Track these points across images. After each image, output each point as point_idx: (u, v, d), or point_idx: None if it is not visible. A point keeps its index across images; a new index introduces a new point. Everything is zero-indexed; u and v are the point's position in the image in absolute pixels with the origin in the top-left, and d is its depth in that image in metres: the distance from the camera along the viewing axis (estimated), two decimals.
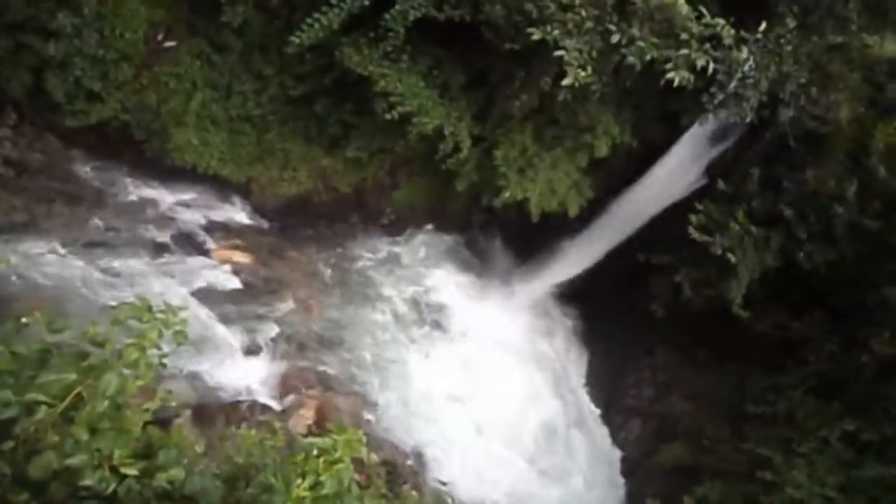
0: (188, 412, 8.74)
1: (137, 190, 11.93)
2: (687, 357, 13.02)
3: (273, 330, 11.21)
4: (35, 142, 11.42)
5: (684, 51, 8.78)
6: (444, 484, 10.89)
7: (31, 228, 10.46)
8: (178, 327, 3.16)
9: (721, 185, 11.33)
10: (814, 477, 9.78)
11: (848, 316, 10.80)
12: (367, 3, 9.72)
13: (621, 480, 12.60)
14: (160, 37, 11.11)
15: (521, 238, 13.73)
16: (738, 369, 12.18)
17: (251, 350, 10.79)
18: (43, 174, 11.23)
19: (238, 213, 12.66)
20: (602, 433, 13.26)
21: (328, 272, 12.80)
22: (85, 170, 11.68)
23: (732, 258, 10.68)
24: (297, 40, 10.13)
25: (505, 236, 14.21)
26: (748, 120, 10.08)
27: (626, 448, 12.94)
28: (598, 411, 13.61)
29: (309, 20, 10.01)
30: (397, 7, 9.80)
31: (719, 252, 10.80)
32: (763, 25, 9.12)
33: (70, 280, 10.08)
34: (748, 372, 12.01)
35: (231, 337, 10.76)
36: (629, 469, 12.70)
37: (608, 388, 13.88)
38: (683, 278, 11.70)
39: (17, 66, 10.41)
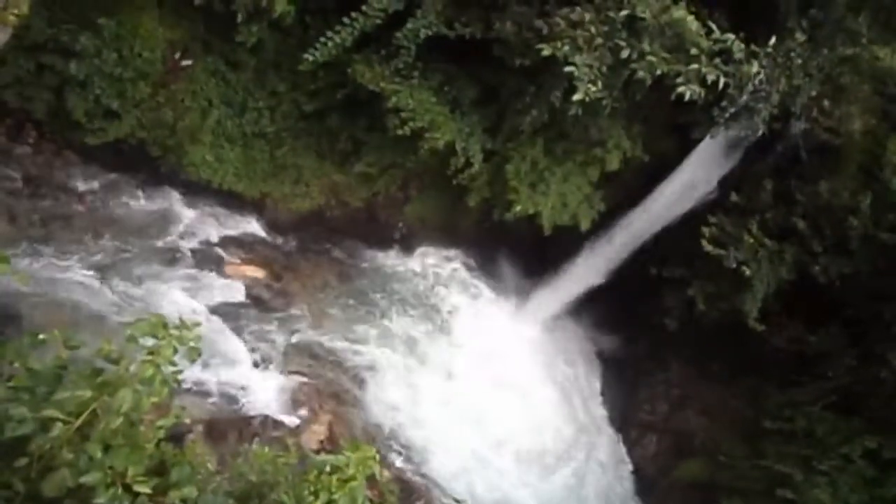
0: (200, 427, 8.76)
1: (153, 206, 12.09)
2: (701, 371, 12.85)
3: (286, 344, 11.24)
4: (54, 159, 11.64)
5: (694, 65, 8.79)
6: (458, 501, 10.78)
7: (49, 244, 10.62)
8: (192, 343, 3.17)
9: (734, 197, 11.26)
10: (836, 496, 9.57)
11: (865, 330, 10.62)
12: (379, 21, 9.86)
13: (637, 498, 12.40)
14: (177, 56, 11.33)
15: (533, 252, 13.69)
16: (754, 384, 11.99)
17: (264, 364, 10.82)
18: (61, 190, 11.43)
19: (252, 228, 12.78)
20: (617, 449, 13.07)
21: (340, 287, 12.84)
22: (102, 186, 11.87)
23: (747, 271, 10.58)
24: (310, 58, 10.29)
25: (517, 250, 14.18)
26: (760, 133, 10.03)
27: (641, 464, 12.75)
28: (612, 427, 13.43)
29: (322, 38, 10.17)
30: (409, 25, 9.93)
31: (733, 265, 10.70)
32: (773, 39, 9.11)
33: (86, 295, 10.20)
34: (763, 386, 11.82)
35: (244, 351, 10.80)
36: (645, 486, 12.50)
37: (622, 403, 13.72)
38: (697, 292, 11.60)
39: (38, 86, 10.66)
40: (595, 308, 13.70)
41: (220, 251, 12.08)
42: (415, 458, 10.99)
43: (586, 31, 8.93)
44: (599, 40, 8.96)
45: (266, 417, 9.77)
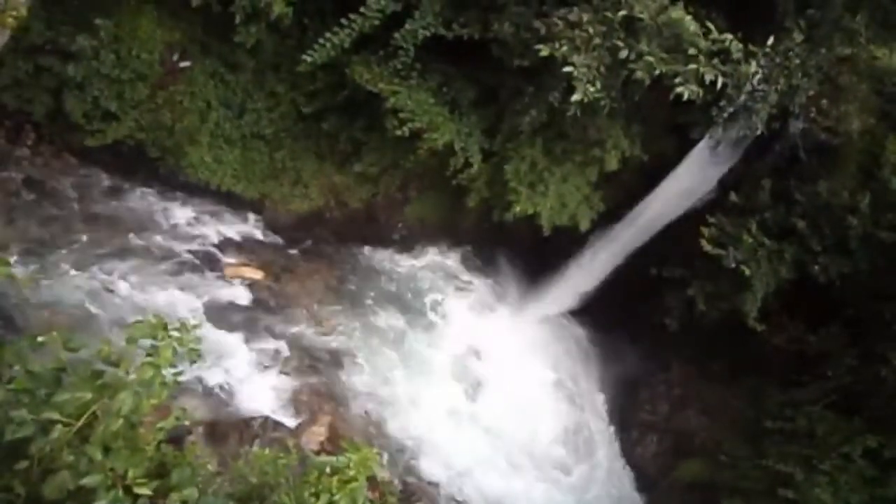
0: (200, 429, 8.75)
1: (151, 207, 12.09)
2: (701, 371, 12.85)
3: (285, 345, 11.24)
4: (52, 161, 11.64)
5: (693, 65, 8.79)
6: (458, 502, 10.77)
7: (48, 246, 10.61)
8: (192, 345, 3.17)
9: (733, 197, 11.26)
10: (837, 495, 9.57)
11: (866, 329, 10.63)
12: (377, 22, 9.87)
13: (638, 498, 12.39)
14: (175, 57, 11.33)
15: (533, 252, 13.69)
16: (754, 383, 11.99)
17: (263, 366, 10.81)
18: (60, 192, 11.43)
19: (251, 229, 12.78)
20: (617, 450, 13.07)
21: (340, 287, 12.83)
22: (100, 188, 11.87)
23: (746, 271, 10.58)
24: (309, 59, 10.29)
25: (516, 251, 14.19)
26: (759, 132, 10.04)
27: (642, 464, 12.74)
28: (613, 427, 13.43)
29: (321, 39, 10.18)
30: (407, 26, 9.94)
31: (733, 265, 10.69)
32: (771, 39, 9.12)
33: (85, 297, 10.19)
34: (764, 386, 11.82)
35: (244, 352, 10.80)
36: (646, 486, 12.49)
37: (623, 403, 13.71)
38: (697, 292, 11.59)
39: (37, 88, 10.67)
40: (595, 308, 13.70)
41: (218, 252, 12.08)
42: (414, 459, 10.98)
43: (584, 32, 8.93)
44: (597, 41, 8.96)
45: (266, 419, 9.76)
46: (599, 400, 13.86)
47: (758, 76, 9.15)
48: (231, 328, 11.00)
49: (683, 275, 11.81)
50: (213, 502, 2.87)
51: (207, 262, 11.82)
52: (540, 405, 12.92)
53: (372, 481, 3.45)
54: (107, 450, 2.68)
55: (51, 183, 11.41)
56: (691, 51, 8.78)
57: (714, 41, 8.84)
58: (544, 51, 9.04)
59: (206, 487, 2.96)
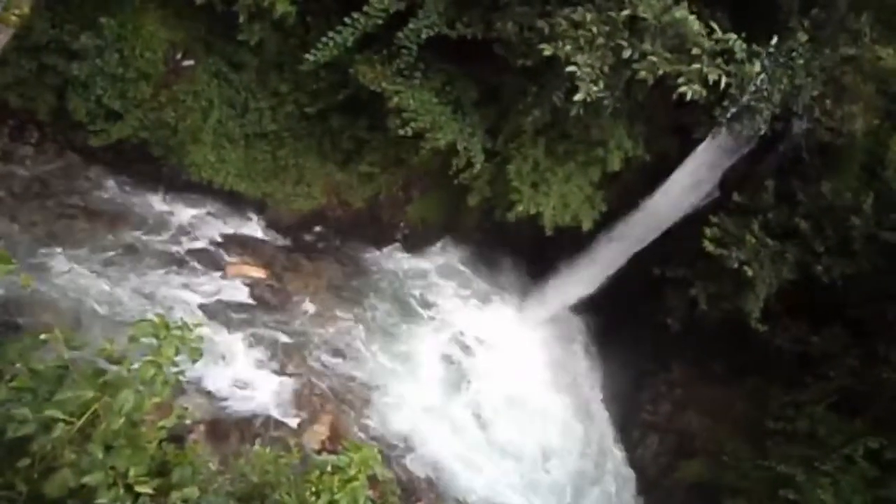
0: (202, 428, 8.77)
1: (155, 206, 12.11)
2: (703, 372, 12.84)
3: (286, 344, 11.25)
4: (56, 159, 11.66)
5: (696, 65, 8.77)
6: (460, 502, 10.79)
7: (51, 244, 10.64)
8: (194, 344, 3.18)
9: (736, 197, 11.25)
10: (839, 496, 9.56)
11: (868, 330, 10.60)
12: (381, 21, 9.86)
13: (639, 498, 12.39)
14: (178, 56, 11.34)
15: (535, 252, 13.69)
16: (756, 384, 11.98)
17: (266, 364, 10.82)
18: (63, 190, 11.45)
19: (253, 228, 12.79)
20: (619, 449, 13.06)
21: (342, 286, 12.84)
22: (104, 186, 11.89)
23: (749, 271, 10.56)
24: (312, 58, 10.29)
25: (518, 250, 14.18)
26: (762, 133, 10.02)
27: (644, 465, 12.73)
28: (614, 427, 13.42)
29: (324, 39, 10.17)
30: (410, 25, 9.93)
31: (735, 265, 10.68)
32: (775, 39, 9.09)
33: (88, 295, 10.22)
34: (766, 387, 11.81)
35: (246, 351, 10.82)
36: (647, 486, 12.49)
37: (624, 403, 13.71)
38: (699, 292, 11.58)
39: (40, 86, 10.69)
40: (598, 307, 13.70)
41: (221, 251, 12.10)
42: (417, 458, 10.98)
43: (588, 32, 8.92)
44: (601, 40, 8.95)
45: (268, 417, 9.78)
46: (600, 399, 13.86)
47: (761, 76, 9.13)
48: (233, 326, 11.02)
49: (685, 275, 11.81)
50: (215, 501, 2.88)
51: (210, 260, 11.84)
52: (541, 404, 12.92)
53: (372, 480, 3.46)
54: (108, 448, 2.69)
55: (54, 181, 11.44)
56: (695, 50, 8.76)
57: (717, 41, 8.81)
58: (547, 50, 9.04)
59: (207, 486, 2.97)
